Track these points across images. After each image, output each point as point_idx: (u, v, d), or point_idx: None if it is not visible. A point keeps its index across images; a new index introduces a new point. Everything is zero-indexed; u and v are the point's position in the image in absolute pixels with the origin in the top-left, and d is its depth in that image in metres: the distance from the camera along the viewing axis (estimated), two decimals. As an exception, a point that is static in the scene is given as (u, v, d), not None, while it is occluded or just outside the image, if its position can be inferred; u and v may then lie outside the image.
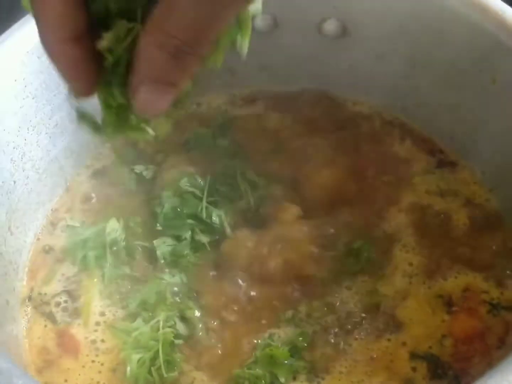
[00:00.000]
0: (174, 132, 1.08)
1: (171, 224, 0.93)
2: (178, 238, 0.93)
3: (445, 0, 0.92)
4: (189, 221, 0.94)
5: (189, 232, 0.93)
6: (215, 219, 0.94)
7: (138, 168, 1.03)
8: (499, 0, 0.88)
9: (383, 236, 0.96)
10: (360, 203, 0.99)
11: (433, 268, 0.93)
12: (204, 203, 0.94)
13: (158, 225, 0.94)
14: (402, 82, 1.04)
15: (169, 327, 0.85)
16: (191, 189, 0.95)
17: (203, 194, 0.95)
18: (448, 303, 0.90)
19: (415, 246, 0.95)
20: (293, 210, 0.97)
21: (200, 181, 0.97)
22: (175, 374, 0.84)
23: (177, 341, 0.85)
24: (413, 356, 0.85)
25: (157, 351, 0.83)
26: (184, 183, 0.96)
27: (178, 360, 0.84)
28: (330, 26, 1.02)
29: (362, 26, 1.00)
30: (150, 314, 0.87)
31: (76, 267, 0.93)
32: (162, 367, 0.83)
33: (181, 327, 0.86)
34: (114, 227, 0.93)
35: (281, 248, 0.92)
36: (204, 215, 0.94)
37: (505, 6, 0.87)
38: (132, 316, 0.88)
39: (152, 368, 0.83)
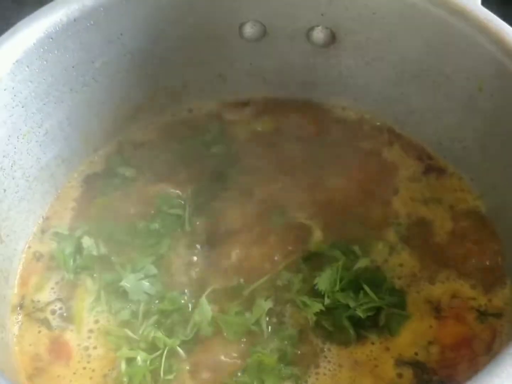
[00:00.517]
0: (164, 138, 1.09)
1: (147, 243, 0.96)
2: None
3: (433, 8, 0.92)
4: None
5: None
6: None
7: (127, 173, 1.05)
8: (485, 9, 0.88)
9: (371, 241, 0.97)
10: (348, 208, 1.00)
11: (420, 273, 0.93)
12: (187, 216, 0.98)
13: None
14: (391, 88, 1.05)
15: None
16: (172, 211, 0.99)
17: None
18: (436, 309, 0.91)
19: (401, 252, 0.96)
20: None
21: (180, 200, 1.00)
22: (171, 377, 0.85)
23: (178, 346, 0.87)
24: (399, 362, 0.86)
25: (159, 353, 0.85)
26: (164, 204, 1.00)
27: (175, 364, 0.86)
28: (319, 34, 1.02)
29: (351, 33, 1.01)
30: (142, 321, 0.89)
31: (68, 274, 0.94)
32: (162, 369, 0.84)
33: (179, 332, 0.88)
34: (88, 243, 0.95)
35: None
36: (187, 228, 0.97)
37: (491, 15, 0.88)
38: (125, 322, 0.89)
39: (148, 369, 0.84)
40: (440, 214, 0.99)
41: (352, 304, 0.87)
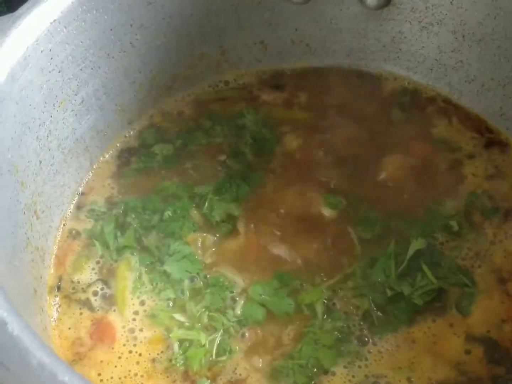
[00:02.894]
0: (196, 112, 1.03)
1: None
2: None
3: (500, -35, 0.86)
4: None
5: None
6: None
7: (158, 148, 0.99)
8: None
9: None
10: (404, 186, 0.94)
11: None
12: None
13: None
14: (449, 55, 0.98)
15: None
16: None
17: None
18: (501, 280, 0.85)
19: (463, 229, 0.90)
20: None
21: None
22: (224, 358, 0.80)
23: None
24: (469, 338, 0.81)
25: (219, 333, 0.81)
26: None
27: (229, 345, 0.81)
28: (374, -5, 0.95)
29: (408, -5, 0.94)
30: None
31: (109, 253, 0.88)
32: (214, 350, 0.79)
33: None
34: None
35: None
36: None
37: None
38: (172, 302, 0.84)
39: (208, 351, 0.80)
40: (504, 190, 0.93)
41: (407, 291, 0.83)
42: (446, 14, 0.94)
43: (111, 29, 0.88)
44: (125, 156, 0.99)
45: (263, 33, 1.04)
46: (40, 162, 0.84)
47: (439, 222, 0.90)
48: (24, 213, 0.80)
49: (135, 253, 0.88)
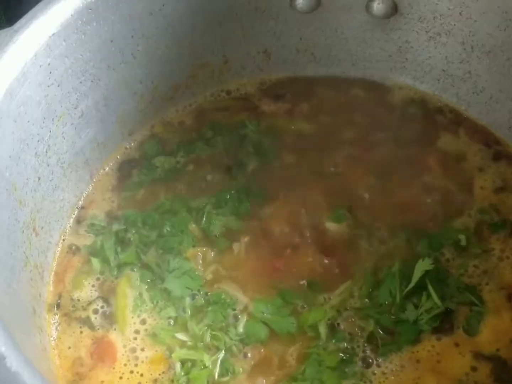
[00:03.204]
0: (197, 122, 1.01)
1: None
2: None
3: (511, -25, 0.84)
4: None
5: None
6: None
7: (159, 161, 0.97)
8: None
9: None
10: (410, 201, 0.92)
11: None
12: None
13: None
14: (457, 66, 0.96)
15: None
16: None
17: None
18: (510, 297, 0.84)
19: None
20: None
21: None
22: (227, 379, 0.79)
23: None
24: (477, 356, 0.80)
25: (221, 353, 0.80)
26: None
27: (232, 365, 0.79)
28: (380, 4, 0.93)
29: (415, 3, 0.92)
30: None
31: (109, 269, 0.86)
32: (216, 370, 0.78)
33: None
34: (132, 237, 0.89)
35: None
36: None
37: None
38: (173, 321, 0.83)
39: (212, 372, 0.78)
40: (510, 203, 0.91)
41: (412, 317, 0.81)
42: (454, 25, 0.92)
43: (111, 41, 0.86)
44: (126, 168, 0.97)
45: (267, 42, 1.02)
46: (39, 178, 0.82)
47: (447, 236, 0.88)
48: (23, 231, 0.79)
49: (135, 270, 0.87)
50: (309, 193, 0.94)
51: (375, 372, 0.79)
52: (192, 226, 0.90)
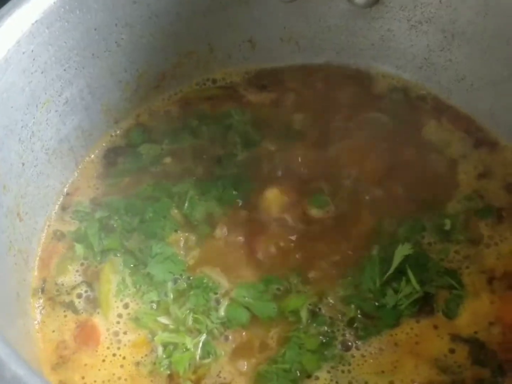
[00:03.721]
0: (183, 111, 1.02)
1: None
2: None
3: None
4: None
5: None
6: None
7: (144, 149, 0.98)
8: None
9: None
10: (393, 186, 0.93)
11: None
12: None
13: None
14: (438, 54, 0.97)
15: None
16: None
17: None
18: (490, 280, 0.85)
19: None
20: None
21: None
22: (209, 361, 0.80)
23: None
24: (455, 338, 0.81)
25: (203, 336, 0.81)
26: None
27: (214, 348, 0.80)
28: (362, -7, 0.94)
29: (397, -7, 0.93)
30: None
31: (93, 255, 0.87)
32: (198, 352, 0.79)
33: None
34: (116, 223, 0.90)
35: None
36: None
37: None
38: (155, 305, 0.84)
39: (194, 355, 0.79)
40: (493, 189, 0.92)
41: (392, 302, 0.82)
42: (435, 13, 0.92)
43: (95, 29, 0.87)
44: (112, 156, 0.98)
45: (252, 31, 1.02)
46: (23, 164, 0.83)
47: (430, 220, 0.89)
48: (7, 216, 0.79)
49: (119, 255, 0.88)
50: (292, 181, 0.95)
51: (354, 355, 0.80)
52: (174, 212, 0.91)
